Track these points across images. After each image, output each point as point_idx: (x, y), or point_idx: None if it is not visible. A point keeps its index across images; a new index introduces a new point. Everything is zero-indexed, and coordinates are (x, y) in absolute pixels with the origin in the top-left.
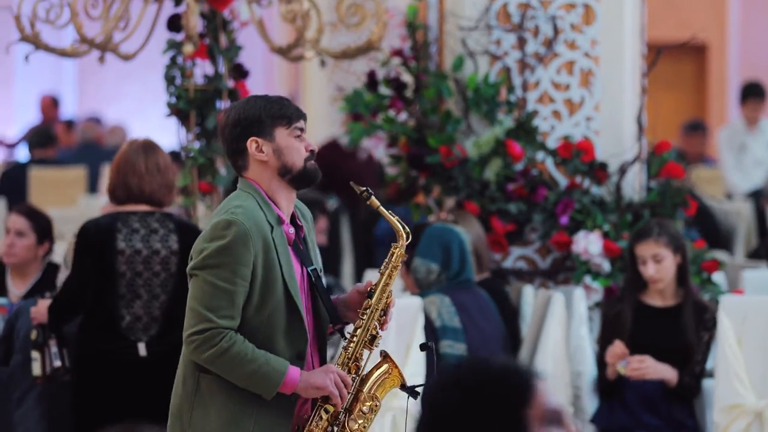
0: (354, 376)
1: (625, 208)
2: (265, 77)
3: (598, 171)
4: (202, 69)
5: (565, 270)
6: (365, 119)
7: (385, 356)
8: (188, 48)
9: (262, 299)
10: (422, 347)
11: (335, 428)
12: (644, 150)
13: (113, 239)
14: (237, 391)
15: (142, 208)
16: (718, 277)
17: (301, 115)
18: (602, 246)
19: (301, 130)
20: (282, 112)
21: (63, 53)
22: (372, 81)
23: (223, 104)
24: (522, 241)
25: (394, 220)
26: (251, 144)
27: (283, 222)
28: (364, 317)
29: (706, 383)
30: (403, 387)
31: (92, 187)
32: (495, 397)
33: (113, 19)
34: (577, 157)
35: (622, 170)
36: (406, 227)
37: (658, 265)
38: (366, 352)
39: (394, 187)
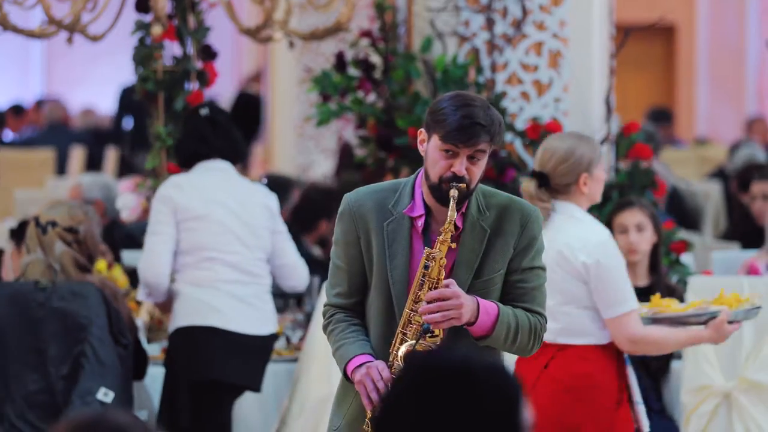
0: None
1: None
2: (234, 58)
3: None
4: (171, 50)
5: None
6: (334, 100)
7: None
8: (156, 29)
9: (372, 279)
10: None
11: None
12: (613, 131)
13: None
14: None
15: None
16: (686, 258)
17: (463, 140)
18: None
19: (451, 152)
20: (441, 121)
21: (31, 34)
22: (340, 62)
23: (191, 85)
24: None
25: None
26: (419, 133)
27: (415, 213)
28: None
29: (675, 364)
30: None
31: (60, 168)
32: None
33: (81, 0)
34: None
35: None
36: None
37: (640, 233)
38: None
39: (363, 169)
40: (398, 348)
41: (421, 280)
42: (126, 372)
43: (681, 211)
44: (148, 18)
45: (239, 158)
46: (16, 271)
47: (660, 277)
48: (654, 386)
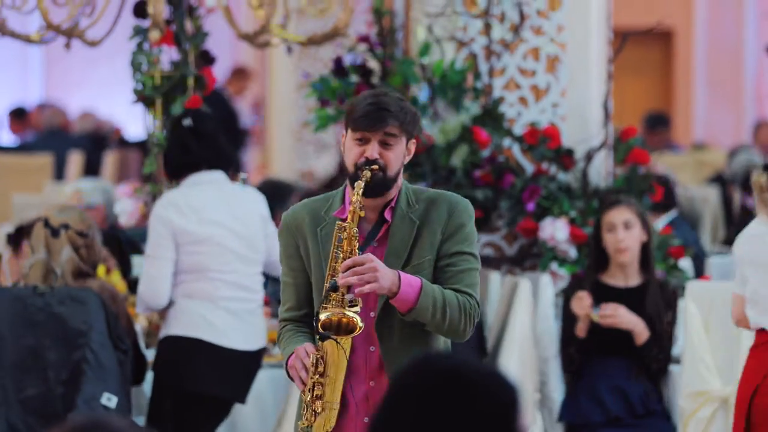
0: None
1: (591, 195)
2: (232, 64)
3: (564, 157)
4: (169, 55)
5: (531, 256)
6: (332, 105)
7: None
8: (154, 34)
9: (314, 284)
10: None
11: (308, 413)
12: (610, 136)
13: None
14: None
15: None
16: (684, 263)
17: (371, 125)
18: (569, 232)
19: (363, 139)
20: (351, 113)
21: (29, 40)
22: (338, 67)
23: (188, 91)
24: (489, 228)
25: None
26: (342, 135)
27: (345, 214)
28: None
29: (673, 369)
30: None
31: (58, 174)
32: (484, 411)
33: (79, 5)
34: (544, 143)
35: (589, 157)
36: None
37: (628, 231)
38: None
39: None
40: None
41: (336, 252)
42: (125, 376)
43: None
44: (146, 23)
45: (227, 166)
46: (13, 275)
47: (652, 277)
48: (654, 388)
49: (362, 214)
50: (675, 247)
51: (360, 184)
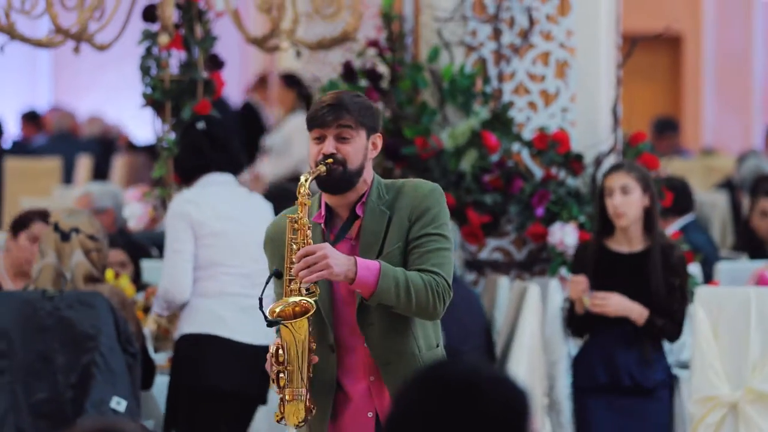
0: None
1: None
2: (241, 68)
3: (573, 162)
4: (178, 59)
5: (540, 261)
6: None
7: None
8: (163, 38)
9: None
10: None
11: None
12: (619, 141)
13: None
14: None
15: None
16: (693, 268)
17: (322, 121)
18: (578, 237)
19: (320, 137)
20: (308, 117)
21: (38, 43)
22: (347, 72)
23: (198, 95)
24: (498, 233)
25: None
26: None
27: (320, 218)
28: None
29: (682, 374)
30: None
31: (67, 177)
32: (494, 417)
33: (88, 9)
34: (553, 148)
35: (598, 161)
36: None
37: (626, 196)
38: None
39: None
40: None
41: (291, 245)
42: (134, 380)
43: None
44: (155, 27)
45: (237, 170)
46: (8, 269)
47: (656, 241)
48: (659, 358)
49: (308, 203)
50: (684, 252)
51: (306, 175)
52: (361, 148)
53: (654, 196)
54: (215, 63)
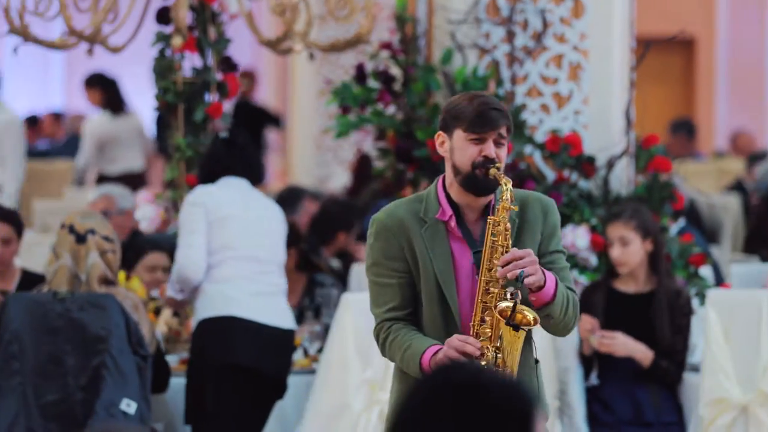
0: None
1: (612, 202)
2: (254, 70)
3: (585, 165)
4: (191, 62)
5: None
6: (353, 112)
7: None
8: (177, 40)
9: (420, 287)
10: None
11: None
12: (632, 144)
13: None
14: (405, 376)
15: None
16: (705, 271)
17: (487, 124)
18: (589, 240)
19: (479, 139)
20: (460, 114)
21: (52, 45)
22: (360, 74)
23: (211, 97)
24: None
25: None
26: (437, 136)
27: (446, 216)
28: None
29: (693, 377)
30: (507, 323)
31: (79, 179)
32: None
33: (102, 11)
34: (565, 150)
35: (610, 164)
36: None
37: (624, 248)
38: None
39: (381, 181)
40: (480, 316)
41: (492, 247)
42: (144, 382)
43: (699, 224)
44: (168, 29)
45: (255, 178)
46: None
47: (662, 283)
48: (669, 397)
49: (515, 208)
50: (695, 255)
51: (507, 182)
52: (506, 154)
53: (657, 239)
54: (228, 65)
